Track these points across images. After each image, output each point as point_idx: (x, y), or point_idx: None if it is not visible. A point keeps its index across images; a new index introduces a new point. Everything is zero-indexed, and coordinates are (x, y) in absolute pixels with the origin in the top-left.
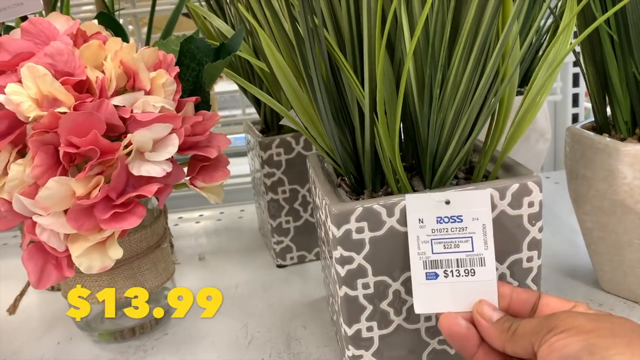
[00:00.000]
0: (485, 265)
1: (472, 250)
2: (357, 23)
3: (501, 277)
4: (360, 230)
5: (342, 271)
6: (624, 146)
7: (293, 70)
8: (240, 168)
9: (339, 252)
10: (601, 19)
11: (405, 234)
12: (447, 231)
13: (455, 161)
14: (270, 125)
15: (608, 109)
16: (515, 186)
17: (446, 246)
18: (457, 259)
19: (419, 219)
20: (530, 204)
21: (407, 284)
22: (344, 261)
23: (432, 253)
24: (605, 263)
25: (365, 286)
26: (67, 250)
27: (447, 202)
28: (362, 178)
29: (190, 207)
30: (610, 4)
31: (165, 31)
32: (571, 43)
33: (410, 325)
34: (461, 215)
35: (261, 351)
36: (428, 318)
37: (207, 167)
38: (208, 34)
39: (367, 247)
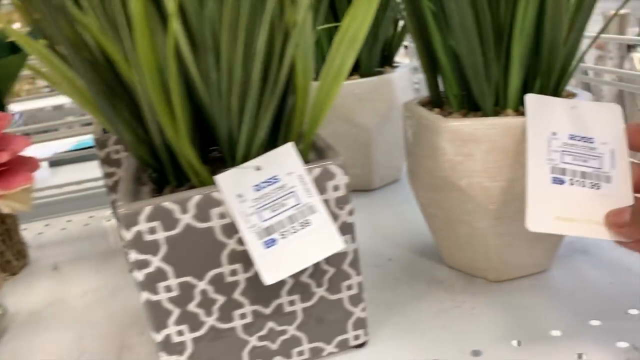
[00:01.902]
0: (316, 212)
1: (299, 203)
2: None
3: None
4: (153, 231)
5: (140, 275)
6: (445, 122)
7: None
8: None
9: (133, 255)
10: None
11: (204, 230)
12: (269, 196)
13: (254, 146)
14: None
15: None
16: (317, 170)
17: (274, 209)
18: (288, 217)
19: (237, 195)
20: (336, 188)
21: (215, 283)
22: (140, 265)
23: (263, 221)
24: (443, 238)
25: (168, 289)
26: None
27: (258, 169)
28: (164, 173)
29: (55, 215)
30: None
31: None
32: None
33: (224, 325)
34: (276, 176)
35: None
36: (243, 315)
37: (4, 173)
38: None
39: (164, 248)
